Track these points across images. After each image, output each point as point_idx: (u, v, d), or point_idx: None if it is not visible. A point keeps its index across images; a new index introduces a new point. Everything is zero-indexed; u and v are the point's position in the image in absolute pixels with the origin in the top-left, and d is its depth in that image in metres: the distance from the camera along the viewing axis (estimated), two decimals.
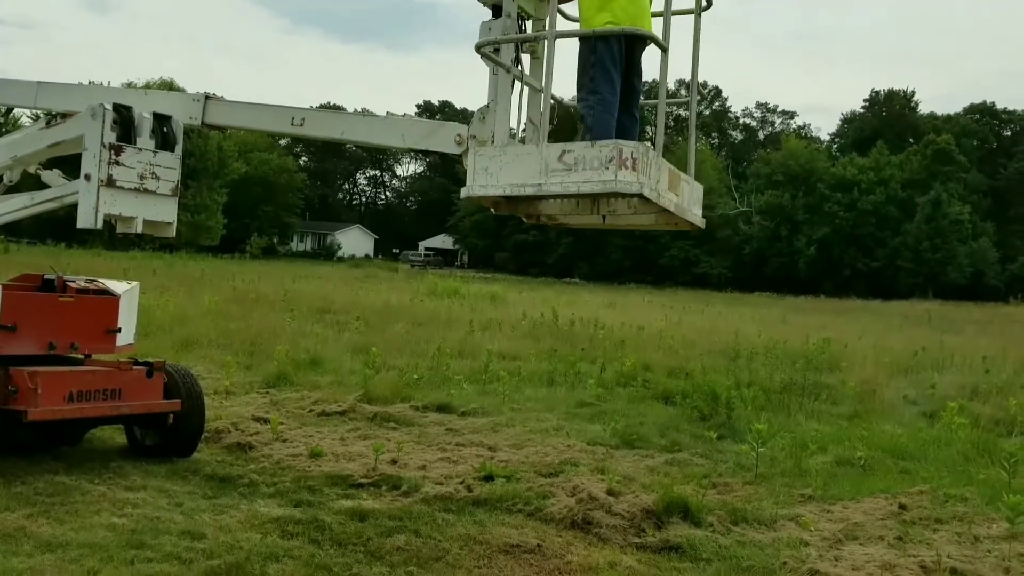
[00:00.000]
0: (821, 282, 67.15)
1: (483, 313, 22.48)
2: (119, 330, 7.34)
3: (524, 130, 5.95)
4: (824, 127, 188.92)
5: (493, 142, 5.42)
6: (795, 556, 5.64)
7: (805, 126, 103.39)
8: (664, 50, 5.24)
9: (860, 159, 77.57)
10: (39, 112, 8.39)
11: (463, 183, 5.30)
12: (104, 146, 6.15)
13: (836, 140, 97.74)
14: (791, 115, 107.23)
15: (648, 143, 5.06)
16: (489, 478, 7.04)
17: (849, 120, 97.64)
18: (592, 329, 19.32)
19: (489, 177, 5.09)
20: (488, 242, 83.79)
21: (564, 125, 5.91)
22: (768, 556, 5.64)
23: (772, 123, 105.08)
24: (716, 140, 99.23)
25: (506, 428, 9.12)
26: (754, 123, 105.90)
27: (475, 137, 5.46)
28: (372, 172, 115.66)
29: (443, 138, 5.71)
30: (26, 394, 6.32)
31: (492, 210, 5.71)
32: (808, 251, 71.74)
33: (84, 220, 6.17)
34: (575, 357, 13.44)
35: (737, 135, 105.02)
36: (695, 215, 5.87)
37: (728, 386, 11.30)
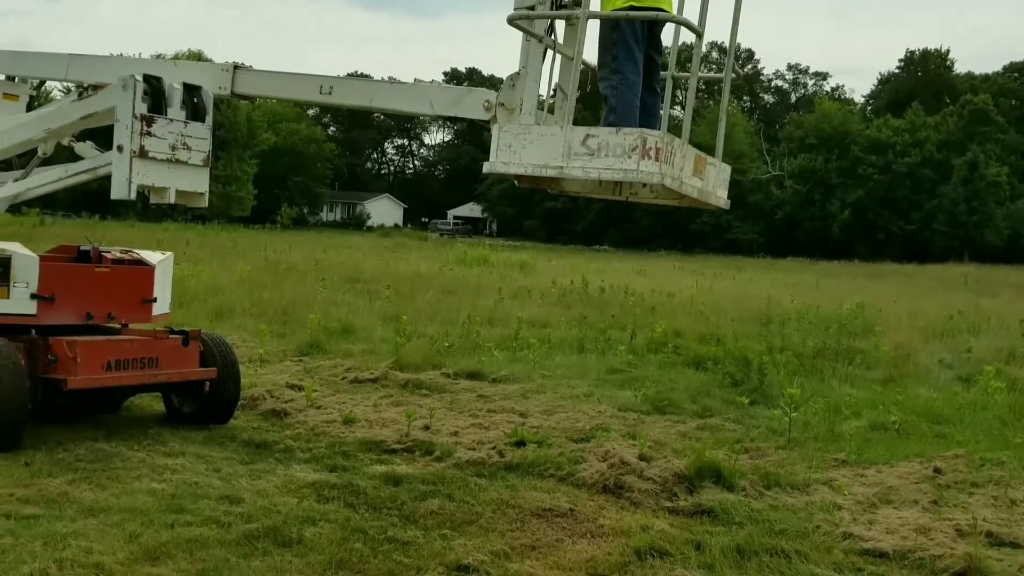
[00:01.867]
0: (855, 246, 66.25)
1: (512, 281, 22.50)
2: (155, 300, 7.44)
3: (553, 98, 5.91)
4: (858, 88, 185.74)
5: (522, 110, 5.39)
6: (828, 520, 5.63)
7: (838, 88, 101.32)
8: (699, 35, 5.16)
9: (895, 120, 76.02)
10: (70, 85, 8.48)
11: (489, 152, 5.28)
12: (136, 117, 6.19)
13: (870, 102, 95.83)
14: (824, 77, 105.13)
15: (671, 135, 5.01)
16: (521, 443, 7.09)
17: (884, 81, 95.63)
18: (622, 296, 19.27)
19: (512, 154, 5.08)
20: (517, 210, 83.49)
21: (596, 90, 5.86)
22: (801, 520, 5.63)
23: (804, 85, 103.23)
24: (747, 103, 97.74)
25: (537, 394, 9.16)
26: (786, 85, 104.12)
27: (504, 104, 5.43)
28: (400, 141, 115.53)
29: (471, 104, 5.69)
30: (65, 363, 6.45)
31: (516, 182, 5.71)
32: (842, 215, 70.75)
33: (118, 191, 6.24)
34: (605, 324, 13.44)
35: (769, 98, 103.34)
36: (719, 197, 5.85)
37: (760, 351, 11.26)
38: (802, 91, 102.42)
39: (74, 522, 4.93)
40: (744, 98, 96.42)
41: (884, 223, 70.68)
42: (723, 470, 6.28)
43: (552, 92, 5.89)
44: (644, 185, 5.24)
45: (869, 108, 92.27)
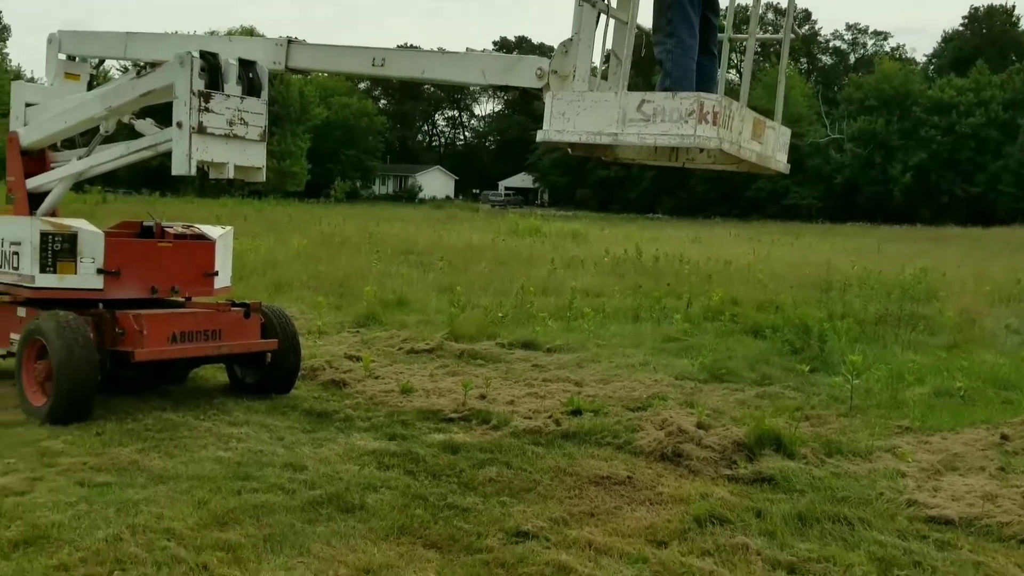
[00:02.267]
0: (917, 210, 64.55)
1: (565, 251, 22.43)
2: (216, 273, 7.59)
3: (606, 64, 5.83)
4: (920, 48, 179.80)
5: (575, 76, 5.32)
6: (892, 487, 5.54)
7: (899, 47, 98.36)
8: None
9: (958, 80, 73.46)
10: (127, 64, 8.63)
11: (542, 121, 5.24)
12: (193, 93, 6.28)
13: (933, 61, 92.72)
14: (884, 36, 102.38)
15: (729, 98, 4.91)
16: (577, 412, 7.10)
17: (948, 39, 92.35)
18: (677, 264, 19.09)
19: (566, 122, 5.02)
20: (568, 179, 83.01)
21: (651, 55, 5.77)
22: (864, 487, 5.55)
23: (864, 45, 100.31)
24: (805, 65, 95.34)
25: (592, 364, 9.14)
26: (845, 46, 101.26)
27: (556, 72, 5.37)
28: (450, 112, 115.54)
29: (523, 72, 5.63)
30: (133, 336, 6.63)
31: (569, 150, 5.66)
32: (903, 178, 68.87)
33: (178, 167, 6.34)
34: (660, 293, 13.32)
35: (827, 59, 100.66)
36: (779, 161, 5.73)
37: (820, 318, 11.07)
38: (861, 51, 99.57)
39: (145, 489, 5.09)
40: (801, 60, 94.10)
41: (947, 186, 68.67)
42: (783, 438, 6.21)
43: (605, 58, 5.81)
44: (701, 150, 5.16)
45: (931, 68, 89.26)
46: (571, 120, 5.03)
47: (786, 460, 5.98)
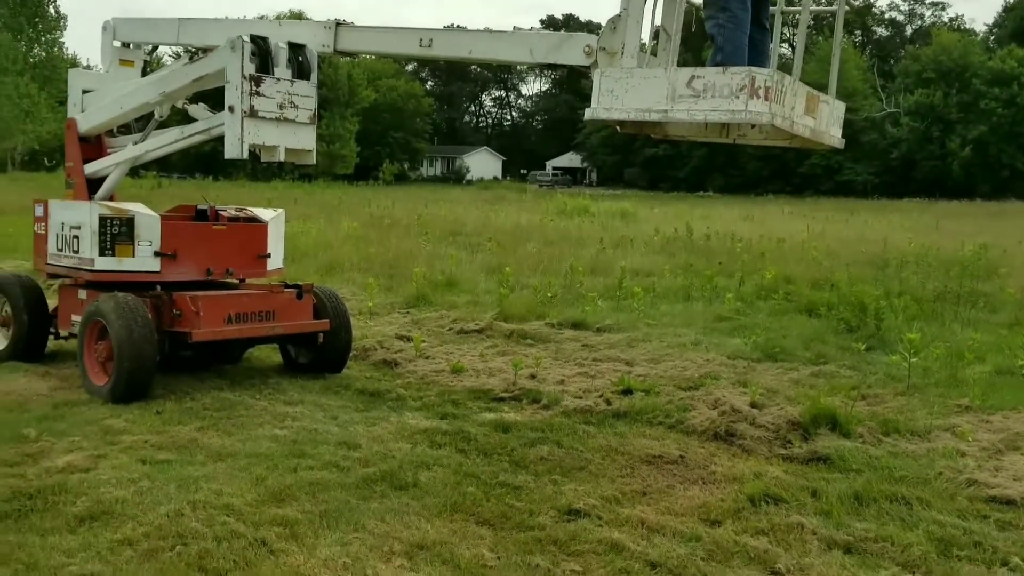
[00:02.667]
0: (977, 185, 62.78)
1: (614, 230, 22.30)
2: (269, 255, 7.70)
3: (655, 40, 5.75)
4: (979, 18, 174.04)
5: (623, 53, 5.26)
6: (951, 467, 5.42)
7: (957, 18, 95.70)
8: None
9: (1020, 50, 70.97)
10: (179, 50, 8.75)
11: (589, 99, 5.20)
12: (244, 77, 6.36)
13: (993, 31, 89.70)
14: (942, 7, 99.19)
15: (782, 72, 4.81)
16: (627, 392, 7.07)
17: (1009, 8, 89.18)
18: (729, 243, 18.85)
19: (614, 100, 4.98)
20: (617, 158, 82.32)
21: (701, 31, 5.67)
22: (922, 466, 5.45)
23: (921, 16, 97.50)
24: (859, 38, 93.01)
25: (642, 343, 9.09)
26: (901, 17, 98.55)
27: (605, 49, 5.31)
28: (497, 93, 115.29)
29: (572, 50, 5.59)
30: (190, 317, 6.77)
31: (618, 128, 5.61)
32: (962, 152, 66.90)
33: (231, 151, 6.44)
34: (712, 271, 13.17)
35: (882, 31, 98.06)
36: (833, 136, 5.61)
37: (877, 296, 10.84)
38: (918, 23, 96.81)
39: (204, 466, 5.21)
40: (856, 32, 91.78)
41: (1008, 159, 66.55)
42: (839, 417, 6.12)
43: (654, 34, 5.72)
44: (753, 126, 5.08)
45: (992, 38, 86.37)
46: (620, 97, 4.98)
47: (842, 439, 5.89)
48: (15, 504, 4.50)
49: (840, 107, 5.72)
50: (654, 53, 5.71)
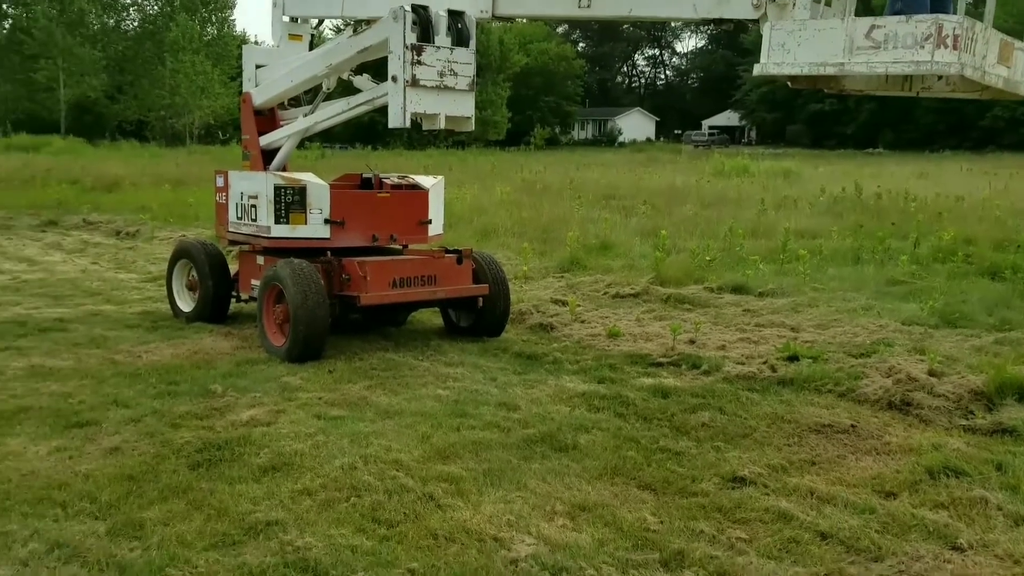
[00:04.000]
0: None
1: (776, 191, 21.47)
2: (430, 221, 7.90)
3: None
4: None
5: (795, 4, 5.01)
6: None
7: None
8: None
9: None
10: (339, 24, 9.04)
11: (750, 54, 5.00)
12: (407, 47, 6.48)
13: None
14: None
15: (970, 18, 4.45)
16: (794, 358, 6.82)
17: None
18: (902, 202, 17.76)
19: (786, 54, 4.77)
20: (778, 115, 78.77)
21: None
22: None
23: None
24: None
25: (808, 308, 8.73)
26: None
27: (775, 0, 5.07)
28: (651, 52, 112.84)
29: (739, 3, 5.37)
30: (358, 282, 7.06)
31: (789, 84, 5.36)
32: None
33: (394, 120, 6.60)
34: (884, 233, 12.45)
35: None
36: None
37: None
38: None
39: (373, 423, 5.44)
40: None
41: None
42: None
43: None
44: (939, 78, 4.75)
45: None
46: (791, 51, 4.77)
47: None
48: (206, 454, 4.87)
49: None
50: (828, 3, 5.40)
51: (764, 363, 6.74)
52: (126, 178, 23.14)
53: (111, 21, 60.51)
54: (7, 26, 59.16)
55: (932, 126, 65.42)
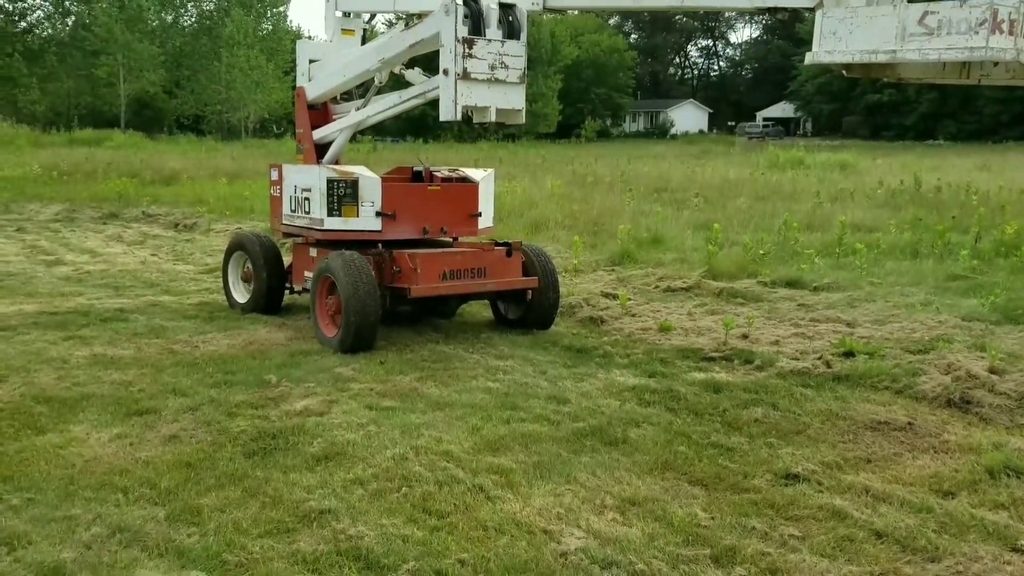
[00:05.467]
0: None
1: (832, 183, 21.08)
2: (480, 214, 7.92)
3: None
4: None
5: None
6: None
7: None
8: None
9: None
10: (391, 18, 9.10)
11: (805, 43, 4.91)
12: (458, 40, 6.51)
13: None
14: None
15: None
16: (849, 354, 6.70)
17: None
18: (963, 195, 17.30)
19: (837, 42, 4.68)
20: (835, 106, 77.20)
21: None
22: None
23: None
24: None
25: (865, 303, 8.57)
26: None
27: None
28: (704, 42, 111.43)
29: None
30: (408, 273, 7.11)
31: (844, 72, 5.26)
32: None
33: (445, 113, 6.63)
34: (944, 226, 12.14)
35: None
36: None
37: None
38: None
39: (424, 414, 5.49)
40: None
41: None
42: None
43: None
44: (996, 64, 4.61)
45: None
46: (843, 39, 4.69)
47: None
48: (261, 443, 4.96)
49: None
50: None
51: (819, 359, 6.63)
52: (183, 172, 23.62)
53: (169, 17, 61.71)
54: (70, 23, 60.73)
55: (996, 116, 63.57)
